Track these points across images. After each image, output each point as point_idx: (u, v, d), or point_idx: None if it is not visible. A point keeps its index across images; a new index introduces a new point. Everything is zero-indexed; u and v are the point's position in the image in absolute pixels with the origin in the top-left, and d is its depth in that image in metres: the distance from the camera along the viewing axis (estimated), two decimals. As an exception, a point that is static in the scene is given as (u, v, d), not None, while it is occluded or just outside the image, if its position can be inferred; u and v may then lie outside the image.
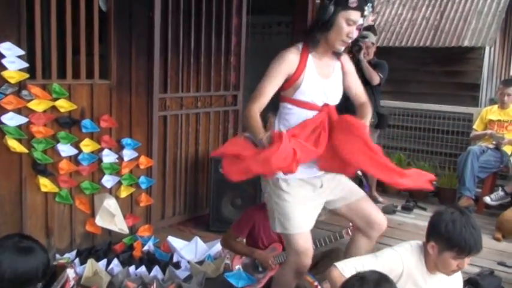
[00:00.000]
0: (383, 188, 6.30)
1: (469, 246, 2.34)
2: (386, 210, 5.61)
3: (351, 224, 3.49)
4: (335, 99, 2.78)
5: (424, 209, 5.77)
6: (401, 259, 2.48)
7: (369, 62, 5.62)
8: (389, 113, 6.49)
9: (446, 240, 2.36)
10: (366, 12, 2.59)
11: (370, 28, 6.70)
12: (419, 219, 5.42)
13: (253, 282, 3.48)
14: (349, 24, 2.59)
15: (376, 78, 5.57)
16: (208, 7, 4.96)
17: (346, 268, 2.38)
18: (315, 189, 2.80)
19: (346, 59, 2.86)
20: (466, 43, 6.99)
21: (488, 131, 5.84)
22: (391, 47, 7.48)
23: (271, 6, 5.97)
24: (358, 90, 2.93)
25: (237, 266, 3.57)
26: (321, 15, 2.63)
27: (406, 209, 5.75)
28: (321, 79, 2.72)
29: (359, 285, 2.02)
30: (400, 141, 7.08)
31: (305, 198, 2.76)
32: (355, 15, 2.58)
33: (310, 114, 2.70)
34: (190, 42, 4.85)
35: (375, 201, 5.92)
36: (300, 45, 2.72)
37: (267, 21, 7.45)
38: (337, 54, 2.77)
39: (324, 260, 3.52)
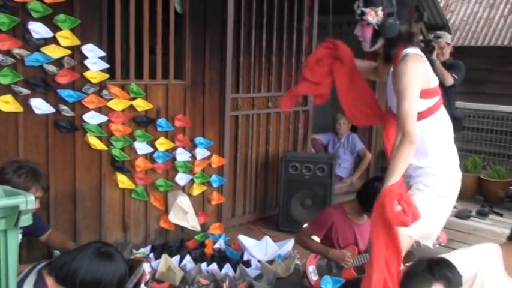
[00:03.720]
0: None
1: None
2: (461, 215, 5.46)
3: None
4: (393, 102, 2.69)
5: (501, 215, 5.56)
6: (475, 261, 2.42)
7: (444, 63, 5.46)
8: (464, 115, 6.29)
9: None
10: (355, 8, 2.63)
11: (444, 27, 6.53)
12: (496, 225, 5.22)
13: (340, 283, 3.43)
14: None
15: (449, 79, 5.39)
16: (280, 7, 4.99)
17: None
18: None
19: (399, 64, 2.61)
20: (547, 42, 6.68)
21: None
22: (466, 46, 7.25)
23: (341, 6, 5.92)
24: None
25: (311, 267, 3.56)
26: None
27: (481, 214, 5.55)
28: (390, 84, 2.75)
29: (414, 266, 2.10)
30: (475, 144, 6.84)
31: None
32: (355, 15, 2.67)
33: None
34: (262, 42, 4.89)
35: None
36: None
37: (336, 21, 7.37)
38: (391, 60, 2.69)
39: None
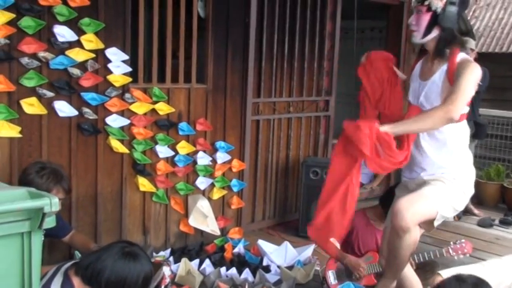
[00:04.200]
0: (479, 199, 6.03)
1: None
2: (483, 224, 5.38)
3: (451, 242, 3.41)
4: (432, 100, 2.73)
5: (524, 224, 5.46)
6: (509, 271, 2.37)
7: (468, 69, 5.39)
8: (487, 122, 6.20)
9: None
10: None
11: (468, 33, 6.44)
12: (520, 234, 5.14)
13: None
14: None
15: (473, 85, 5.32)
16: (303, 12, 4.98)
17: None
18: None
19: (458, 61, 2.65)
20: None
21: None
22: (491, 52, 7.15)
23: (364, 12, 5.91)
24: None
25: (330, 271, 3.54)
26: None
27: (505, 223, 5.46)
28: (418, 81, 2.81)
29: (457, 285, 1.99)
30: (499, 152, 6.74)
31: None
32: (413, 2, 2.73)
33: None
34: (284, 47, 4.88)
35: (470, 213, 5.67)
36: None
37: (359, 26, 7.33)
38: (443, 55, 2.70)
39: (418, 271, 3.44)
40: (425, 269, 3.44)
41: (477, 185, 5.92)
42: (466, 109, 2.73)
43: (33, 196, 1.97)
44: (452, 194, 2.71)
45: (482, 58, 6.15)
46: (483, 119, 5.86)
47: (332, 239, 3.61)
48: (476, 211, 5.72)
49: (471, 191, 2.81)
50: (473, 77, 2.58)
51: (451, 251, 3.52)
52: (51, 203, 1.89)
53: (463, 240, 3.95)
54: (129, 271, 2.25)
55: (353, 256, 3.47)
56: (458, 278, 2.06)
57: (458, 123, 2.71)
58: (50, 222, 1.95)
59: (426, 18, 2.65)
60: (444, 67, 2.68)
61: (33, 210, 1.90)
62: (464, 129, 2.79)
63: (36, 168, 2.95)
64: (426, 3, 2.63)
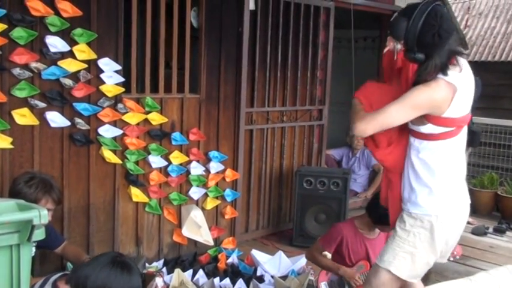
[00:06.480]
0: (473, 208, 6.02)
1: None
2: (477, 232, 5.38)
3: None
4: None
5: (518, 232, 5.47)
6: (498, 285, 2.36)
7: (460, 77, 5.41)
8: (481, 130, 6.21)
9: None
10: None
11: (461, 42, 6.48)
12: (514, 242, 5.14)
13: None
14: None
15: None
16: (296, 21, 4.99)
17: None
18: None
19: None
20: None
21: None
22: (483, 61, 7.19)
23: (357, 21, 5.93)
24: None
25: (323, 283, 3.52)
26: None
27: (499, 231, 5.46)
28: None
29: None
30: (492, 160, 6.76)
31: None
32: None
33: None
34: (278, 56, 4.89)
35: (464, 221, 5.66)
36: None
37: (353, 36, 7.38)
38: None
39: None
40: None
41: (471, 193, 5.95)
42: (439, 130, 2.41)
43: (22, 208, 1.96)
44: (412, 248, 2.44)
45: (475, 67, 6.18)
46: (477, 127, 5.84)
47: (324, 252, 3.61)
48: (470, 219, 5.71)
49: (449, 231, 2.44)
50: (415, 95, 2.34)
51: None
52: (40, 215, 1.88)
53: (451, 243, 3.93)
54: (114, 280, 2.21)
55: (346, 267, 3.45)
56: None
57: (428, 141, 2.43)
58: (39, 235, 1.93)
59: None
60: None
61: (22, 222, 1.88)
62: (437, 152, 2.43)
63: (25, 178, 2.92)
64: None
